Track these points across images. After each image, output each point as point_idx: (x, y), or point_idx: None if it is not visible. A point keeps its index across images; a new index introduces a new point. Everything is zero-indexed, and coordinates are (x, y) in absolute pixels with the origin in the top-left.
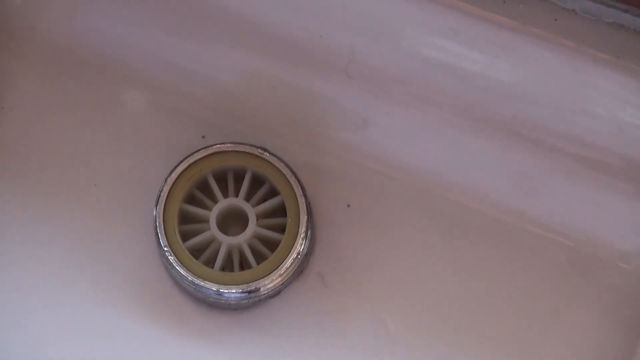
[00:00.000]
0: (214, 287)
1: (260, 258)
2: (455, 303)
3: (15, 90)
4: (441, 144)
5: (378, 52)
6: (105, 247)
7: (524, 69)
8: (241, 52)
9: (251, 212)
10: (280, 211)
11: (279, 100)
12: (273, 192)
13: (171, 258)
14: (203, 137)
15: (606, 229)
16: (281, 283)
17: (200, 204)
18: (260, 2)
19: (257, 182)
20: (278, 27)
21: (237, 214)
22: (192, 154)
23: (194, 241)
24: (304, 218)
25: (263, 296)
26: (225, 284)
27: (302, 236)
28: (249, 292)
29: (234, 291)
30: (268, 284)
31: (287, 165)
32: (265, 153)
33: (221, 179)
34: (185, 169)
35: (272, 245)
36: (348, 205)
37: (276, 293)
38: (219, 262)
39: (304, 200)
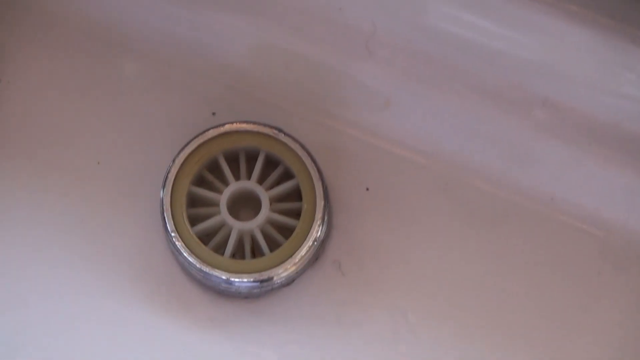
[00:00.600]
0: (224, 276)
1: (273, 245)
2: (478, 294)
3: (14, 63)
4: (466, 127)
5: (401, 28)
6: (108, 231)
7: (557, 47)
8: (255, 25)
9: (264, 195)
10: (295, 195)
11: (294, 76)
12: (288, 175)
13: (178, 244)
14: (213, 113)
15: None
16: (295, 272)
17: (210, 187)
18: None
19: (271, 164)
20: None
21: (249, 197)
22: (202, 132)
23: (203, 226)
24: (320, 203)
25: (276, 285)
26: (236, 273)
27: (318, 222)
28: (261, 281)
29: (245, 280)
30: (281, 273)
31: (303, 147)
32: (280, 133)
33: (233, 160)
34: (195, 149)
35: (286, 231)
36: (367, 189)
37: (290, 282)
38: (229, 248)
39: (320, 184)
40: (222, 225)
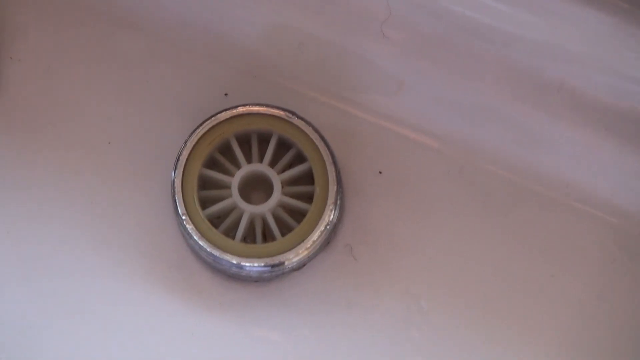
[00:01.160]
0: (234, 260)
1: (285, 229)
2: (492, 281)
3: (25, 41)
4: (481, 111)
5: (415, 11)
6: (118, 212)
7: (574, 31)
8: (268, 6)
9: (276, 179)
10: (308, 178)
11: (308, 59)
12: (300, 158)
13: (189, 227)
14: (225, 94)
15: None
16: (307, 256)
17: (222, 169)
18: None
19: (283, 147)
20: None
21: (261, 180)
22: (214, 115)
23: (214, 209)
24: (333, 187)
25: (287, 270)
26: (247, 257)
27: (330, 207)
28: (272, 265)
29: (256, 265)
30: (293, 257)
31: (316, 130)
32: (293, 116)
33: (245, 142)
34: (207, 131)
35: (298, 215)
36: (380, 172)
37: (301, 266)
38: (240, 232)
39: (333, 167)
40: (233, 208)
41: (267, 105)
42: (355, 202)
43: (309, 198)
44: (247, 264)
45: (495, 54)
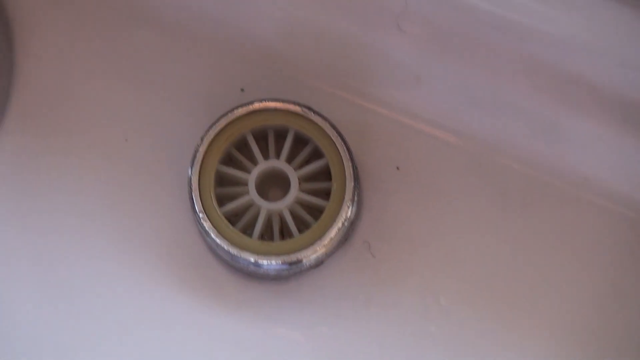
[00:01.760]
0: (252, 258)
1: (302, 225)
2: (511, 277)
3: (41, 38)
4: (499, 105)
5: (432, 4)
6: (135, 210)
7: (592, 24)
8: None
9: (293, 175)
10: (325, 175)
11: (324, 53)
12: (317, 154)
13: (206, 224)
14: (242, 90)
15: None
16: (325, 254)
17: (239, 166)
18: None
19: (300, 143)
20: None
21: (278, 177)
22: (230, 111)
23: (231, 206)
24: (350, 184)
25: (305, 267)
26: (264, 254)
27: (348, 203)
28: (290, 263)
29: (274, 262)
30: (311, 255)
31: (333, 126)
32: (310, 112)
33: (261, 138)
34: (224, 128)
35: (316, 211)
36: (397, 168)
37: (319, 263)
38: (257, 229)
39: (350, 163)
40: (250, 205)
41: (283, 101)
42: (373, 198)
43: (326, 194)
44: (265, 262)
45: (513, 47)
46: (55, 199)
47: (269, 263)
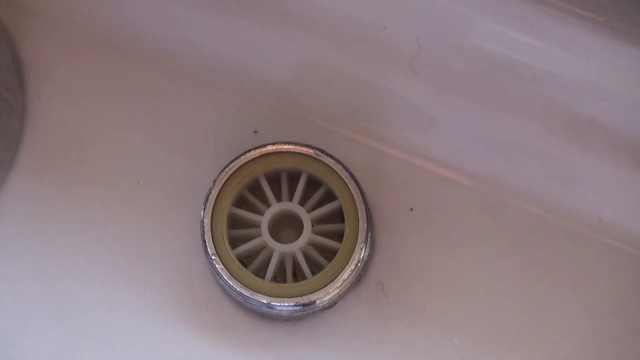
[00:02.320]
0: (265, 300)
1: (315, 267)
2: (525, 317)
3: (52, 79)
4: (512, 147)
5: (445, 47)
6: (148, 251)
7: (605, 67)
8: (296, 42)
9: (306, 217)
10: (338, 217)
11: (337, 96)
12: (330, 196)
13: (218, 266)
14: (255, 132)
15: None
16: (338, 295)
17: (252, 208)
18: None
19: (313, 185)
20: (337, 15)
21: (291, 219)
22: (243, 153)
23: (244, 248)
24: (363, 225)
25: (318, 309)
26: (277, 297)
27: (361, 245)
28: (303, 305)
29: (287, 304)
30: (324, 296)
31: (346, 168)
32: (322, 154)
33: (274, 180)
34: (236, 170)
35: (329, 253)
36: (411, 209)
37: (332, 304)
38: (270, 271)
39: (363, 205)
40: (263, 247)
41: (296, 144)
42: (387, 239)
43: (339, 236)
44: (278, 304)
45: (526, 89)
46: (67, 242)
47: (282, 305)
